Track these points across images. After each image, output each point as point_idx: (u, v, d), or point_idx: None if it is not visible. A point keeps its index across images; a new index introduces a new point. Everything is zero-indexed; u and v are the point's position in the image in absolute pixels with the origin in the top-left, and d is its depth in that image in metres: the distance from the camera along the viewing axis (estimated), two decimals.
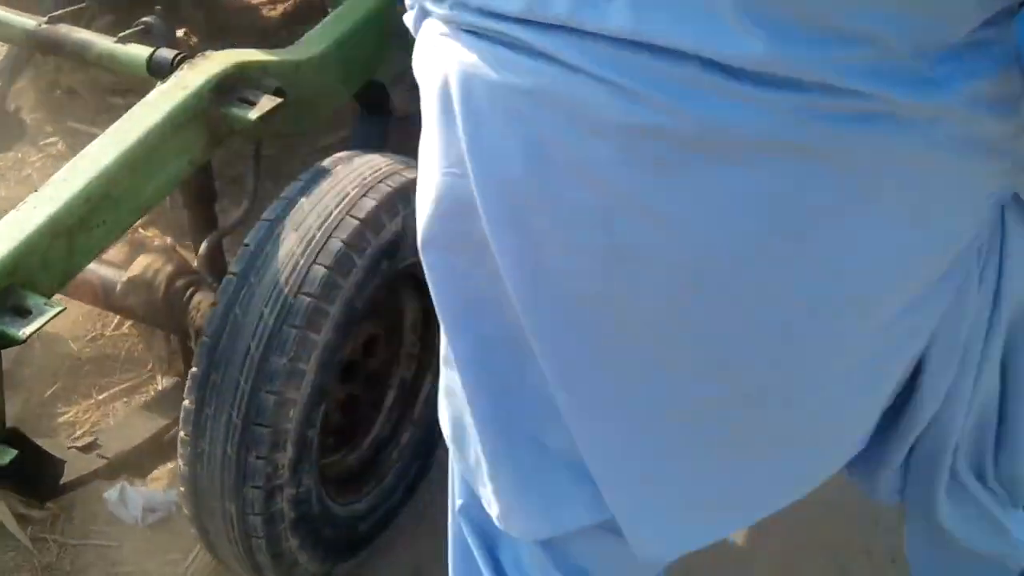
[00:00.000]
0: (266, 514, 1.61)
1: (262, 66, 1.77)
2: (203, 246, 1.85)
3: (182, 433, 1.61)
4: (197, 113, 1.67)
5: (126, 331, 2.46)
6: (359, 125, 2.18)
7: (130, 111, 1.63)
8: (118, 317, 2.46)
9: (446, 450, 2.13)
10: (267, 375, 1.55)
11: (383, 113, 2.14)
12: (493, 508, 1.21)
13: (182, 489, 1.66)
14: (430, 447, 2.09)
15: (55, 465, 1.68)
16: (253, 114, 1.69)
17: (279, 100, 1.71)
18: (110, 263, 1.93)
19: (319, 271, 1.56)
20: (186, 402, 1.60)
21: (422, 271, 1.86)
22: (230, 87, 1.71)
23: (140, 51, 1.76)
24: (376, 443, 1.99)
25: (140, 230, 2.53)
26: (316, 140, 2.94)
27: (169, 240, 2.62)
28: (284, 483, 1.61)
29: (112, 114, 2.67)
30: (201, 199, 1.90)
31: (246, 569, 1.73)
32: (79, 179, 1.54)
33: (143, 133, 1.59)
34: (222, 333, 1.57)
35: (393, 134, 2.21)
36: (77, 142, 2.85)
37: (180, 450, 1.62)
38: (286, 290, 1.55)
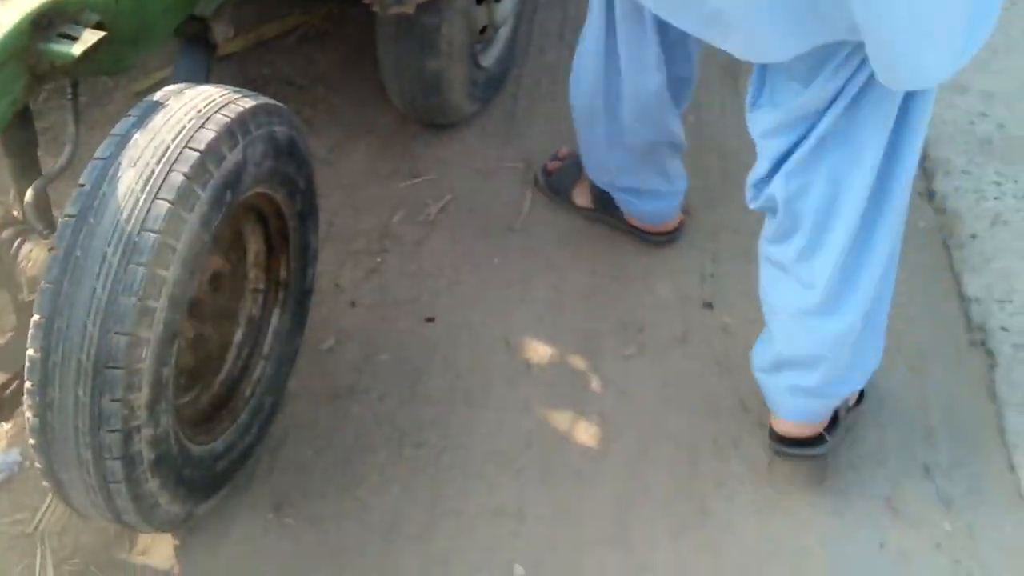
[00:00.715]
0: (124, 457, 1.57)
1: (80, 0, 1.69)
2: (29, 194, 1.77)
3: (28, 383, 1.54)
4: (16, 51, 1.60)
5: None
6: (181, 60, 2.11)
7: None
8: None
9: (298, 383, 2.15)
10: (116, 316, 1.50)
11: (205, 47, 2.09)
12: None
13: (32, 442, 1.60)
14: (282, 381, 2.08)
15: None
16: (76, 49, 1.62)
17: (102, 34, 1.65)
18: None
19: (162, 206, 1.52)
20: (30, 351, 1.53)
21: (265, 202, 1.85)
22: (48, 22, 1.64)
23: None
24: (228, 381, 1.97)
25: None
26: (130, 85, 2.86)
27: None
28: (141, 424, 1.58)
29: None
30: (22, 146, 1.82)
31: (105, 516, 1.69)
32: None
33: None
34: (64, 277, 1.51)
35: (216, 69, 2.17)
36: None
37: (28, 401, 1.56)
38: (129, 228, 1.50)
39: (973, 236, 2.45)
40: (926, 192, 2.59)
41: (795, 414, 1.98)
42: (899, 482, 2.03)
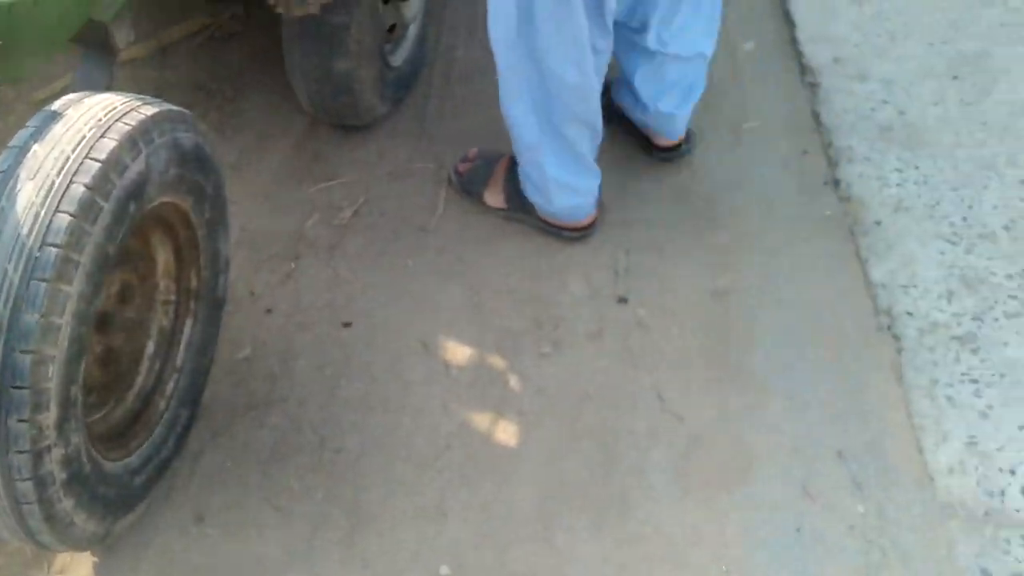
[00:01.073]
0: (35, 478, 1.54)
1: None
2: None
3: None
4: None
5: None
6: (82, 67, 2.07)
7: None
8: None
9: (214, 393, 2.12)
10: (20, 334, 1.47)
11: (106, 53, 2.05)
12: None
13: None
14: (197, 393, 2.05)
15: None
16: None
17: None
18: None
19: (63, 219, 1.49)
20: None
21: (171, 212, 1.82)
22: None
23: None
24: (141, 395, 1.94)
25: None
26: (30, 94, 2.80)
27: None
28: (51, 444, 1.55)
29: None
30: None
31: (19, 538, 1.65)
32: None
33: None
34: None
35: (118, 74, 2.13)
36: None
37: None
38: (30, 243, 1.47)
39: (877, 223, 2.50)
40: (831, 181, 2.63)
41: (676, 134, 2.63)
42: (813, 467, 2.07)
